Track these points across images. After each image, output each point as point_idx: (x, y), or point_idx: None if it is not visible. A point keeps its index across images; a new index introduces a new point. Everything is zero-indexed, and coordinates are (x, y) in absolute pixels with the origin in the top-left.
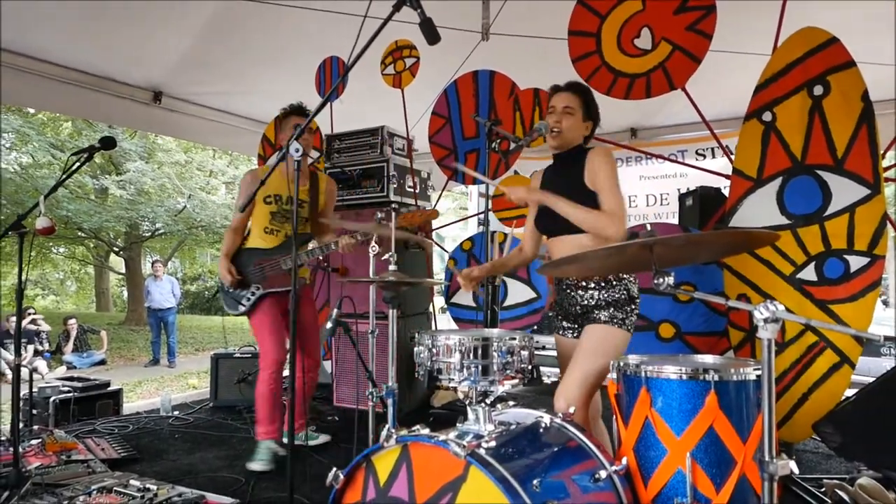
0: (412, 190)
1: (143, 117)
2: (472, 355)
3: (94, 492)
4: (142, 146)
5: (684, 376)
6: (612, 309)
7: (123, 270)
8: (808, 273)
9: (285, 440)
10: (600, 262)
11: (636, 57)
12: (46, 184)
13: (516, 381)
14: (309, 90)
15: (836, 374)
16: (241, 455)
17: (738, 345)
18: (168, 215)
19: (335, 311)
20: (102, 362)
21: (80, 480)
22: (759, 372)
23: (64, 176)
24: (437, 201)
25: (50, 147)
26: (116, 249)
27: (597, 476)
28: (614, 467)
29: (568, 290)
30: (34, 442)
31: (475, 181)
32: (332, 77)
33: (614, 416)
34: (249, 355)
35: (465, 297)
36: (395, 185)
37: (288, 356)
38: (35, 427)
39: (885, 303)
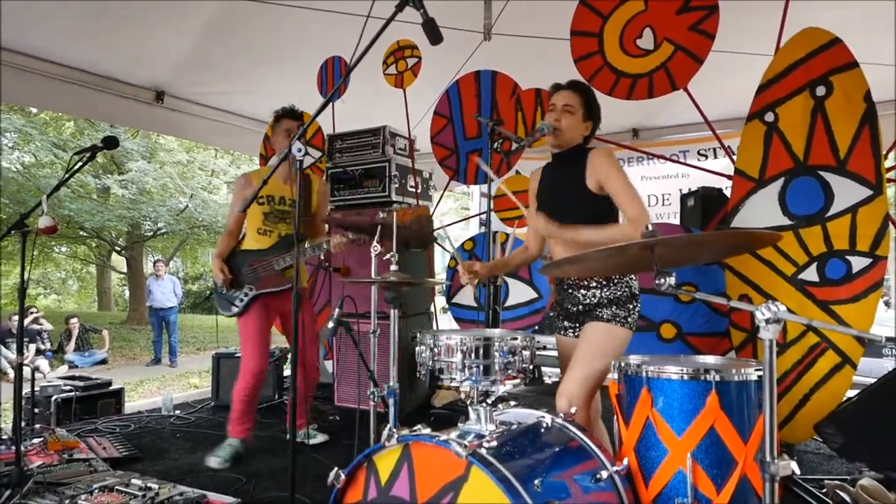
0: (414, 190)
1: (145, 117)
2: (473, 355)
3: (96, 491)
4: (144, 146)
5: (685, 376)
6: (614, 307)
7: (125, 270)
8: (810, 274)
9: (290, 439)
10: (601, 262)
11: (638, 57)
12: (49, 183)
13: (518, 381)
14: (311, 90)
15: (837, 375)
16: (242, 454)
17: (740, 345)
18: (170, 215)
19: (337, 310)
20: (104, 361)
21: (81, 479)
22: (760, 372)
23: (66, 175)
24: (439, 201)
25: (52, 146)
26: (118, 249)
27: (598, 476)
28: (615, 467)
29: (569, 290)
30: (36, 441)
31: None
32: (334, 77)
33: (615, 417)
34: None
35: (466, 298)
36: (396, 185)
37: (269, 365)
38: (37, 426)
39: (887, 304)
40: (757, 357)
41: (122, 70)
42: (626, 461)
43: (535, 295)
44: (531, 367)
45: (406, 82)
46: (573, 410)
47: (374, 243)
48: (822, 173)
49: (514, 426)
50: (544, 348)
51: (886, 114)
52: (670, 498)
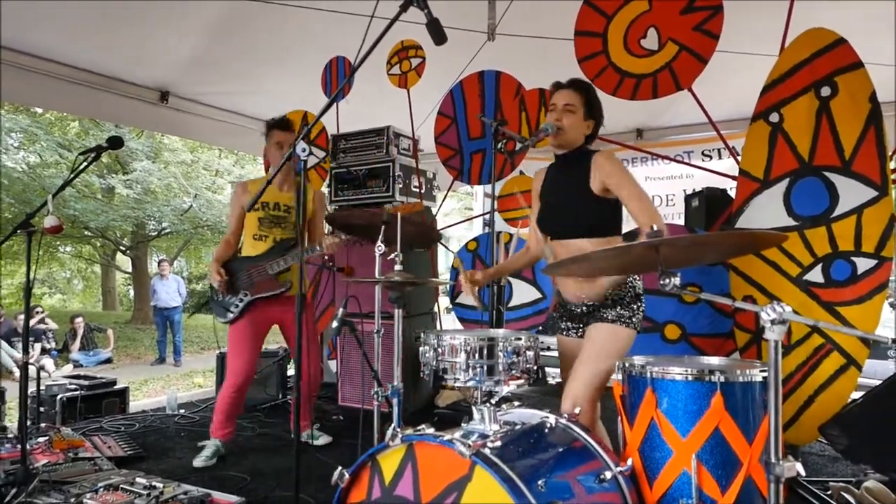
0: (417, 190)
1: (149, 117)
2: (477, 355)
3: (101, 489)
4: (148, 146)
5: (690, 377)
6: (618, 308)
7: (130, 269)
8: (815, 275)
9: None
10: (606, 262)
11: (643, 57)
12: (54, 183)
13: (521, 381)
14: (315, 90)
15: (842, 377)
16: (246, 453)
17: (744, 346)
18: (174, 214)
19: (341, 310)
20: (109, 361)
21: (86, 478)
22: (764, 373)
23: (71, 175)
24: (443, 201)
25: (57, 146)
26: (123, 248)
27: (602, 477)
28: (619, 468)
29: None
30: (41, 439)
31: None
32: (339, 77)
33: (619, 417)
34: None
35: (470, 298)
36: (400, 185)
37: (254, 373)
38: (42, 425)
39: (893, 305)
40: (761, 358)
41: (127, 70)
42: (630, 462)
43: (538, 295)
44: (535, 367)
45: (410, 82)
46: (577, 411)
47: (378, 243)
48: (827, 174)
49: (518, 426)
50: (548, 349)
51: (887, 115)
52: (675, 499)
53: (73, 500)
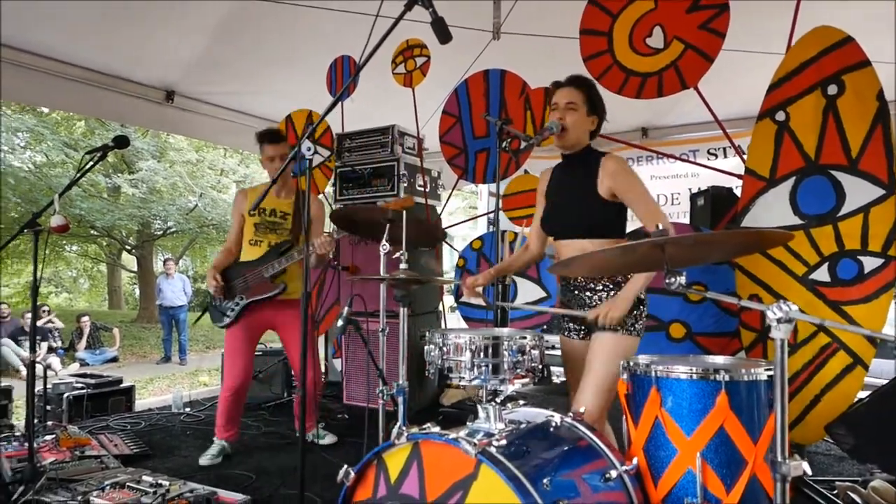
0: (422, 189)
1: (155, 116)
2: (482, 354)
3: (108, 487)
4: (154, 145)
5: (695, 376)
6: None
7: (135, 268)
8: (822, 274)
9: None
10: (612, 261)
11: (648, 56)
12: (60, 182)
13: (527, 380)
14: (320, 89)
15: (848, 376)
16: (251, 452)
17: (750, 345)
18: (179, 214)
19: (346, 309)
20: (115, 359)
21: (93, 476)
22: (770, 372)
23: (78, 174)
24: (448, 200)
25: (63, 146)
26: (129, 247)
27: (607, 475)
28: (625, 467)
29: (576, 292)
30: (48, 438)
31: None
32: (344, 76)
33: (624, 416)
34: (260, 353)
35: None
36: (405, 184)
37: (251, 375)
38: (49, 423)
39: None
40: (767, 357)
41: (133, 70)
42: (635, 461)
43: (543, 294)
44: (540, 366)
45: (415, 81)
46: (582, 410)
47: (383, 242)
48: (833, 173)
49: (524, 425)
50: (553, 347)
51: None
52: (680, 498)
53: (79, 497)
